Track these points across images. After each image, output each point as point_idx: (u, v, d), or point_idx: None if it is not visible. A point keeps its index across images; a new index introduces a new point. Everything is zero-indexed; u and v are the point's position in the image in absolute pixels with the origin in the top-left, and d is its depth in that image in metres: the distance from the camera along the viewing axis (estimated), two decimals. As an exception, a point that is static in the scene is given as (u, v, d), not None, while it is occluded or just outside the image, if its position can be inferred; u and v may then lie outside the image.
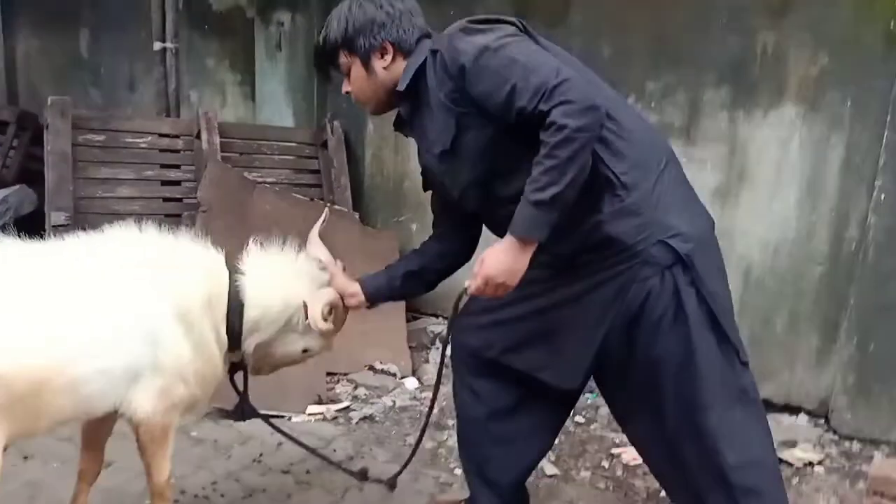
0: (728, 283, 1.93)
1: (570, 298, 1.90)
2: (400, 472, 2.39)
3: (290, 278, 2.09)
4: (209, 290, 1.99)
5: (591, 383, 3.13)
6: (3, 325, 1.68)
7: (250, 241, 2.13)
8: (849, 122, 2.90)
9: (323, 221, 2.22)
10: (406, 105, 1.95)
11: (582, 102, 1.63)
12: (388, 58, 1.91)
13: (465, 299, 1.97)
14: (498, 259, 1.74)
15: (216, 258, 2.07)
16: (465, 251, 2.19)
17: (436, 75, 1.84)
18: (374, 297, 2.18)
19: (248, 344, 2.08)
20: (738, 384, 1.86)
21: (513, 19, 1.83)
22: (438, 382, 2.26)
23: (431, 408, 2.29)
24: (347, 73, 1.98)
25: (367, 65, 1.92)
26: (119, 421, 2.03)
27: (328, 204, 2.33)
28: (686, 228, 1.80)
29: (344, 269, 2.19)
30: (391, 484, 2.42)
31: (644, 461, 2.16)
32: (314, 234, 2.20)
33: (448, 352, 2.23)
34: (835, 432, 3.06)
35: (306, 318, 2.04)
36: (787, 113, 3.05)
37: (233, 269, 2.05)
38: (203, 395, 2.04)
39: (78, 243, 1.94)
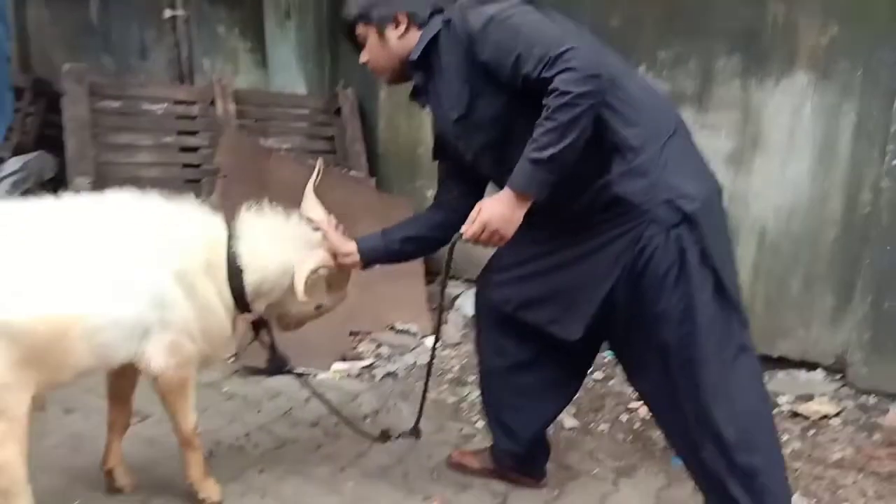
0: (732, 246, 2.02)
1: (579, 256, 1.98)
2: (416, 424, 2.47)
3: (284, 242, 2.14)
4: (207, 257, 2.07)
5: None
6: (25, 278, 1.79)
7: (244, 206, 2.18)
8: (859, 89, 2.95)
9: (316, 177, 2.27)
10: (420, 75, 2.03)
11: (584, 70, 1.70)
12: (402, 28, 2.01)
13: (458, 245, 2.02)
14: (495, 208, 1.84)
15: (215, 224, 2.13)
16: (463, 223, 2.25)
17: (448, 44, 1.93)
18: (369, 258, 2.22)
19: (259, 306, 2.17)
20: (737, 342, 1.93)
21: None
22: (439, 327, 2.37)
23: (433, 358, 2.41)
24: (364, 44, 2.07)
25: (382, 35, 2.02)
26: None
27: (319, 161, 2.38)
28: (692, 190, 1.86)
29: (338, 227, 2.23)
30: (416, 434, 2.49)
31: (650, 412, 2.25)
32: (309, 190, 2.25)
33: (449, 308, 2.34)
34: (851, 387, 3.15)
35: None
36: (799, 81, 3.11)
37: (231, 235, 2.11)
38: (213, 350, 2.14)
39: (90, 203, 2.03)
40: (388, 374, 3.23)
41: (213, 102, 4.14)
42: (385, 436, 2.49)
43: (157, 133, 4.04)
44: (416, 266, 3.93)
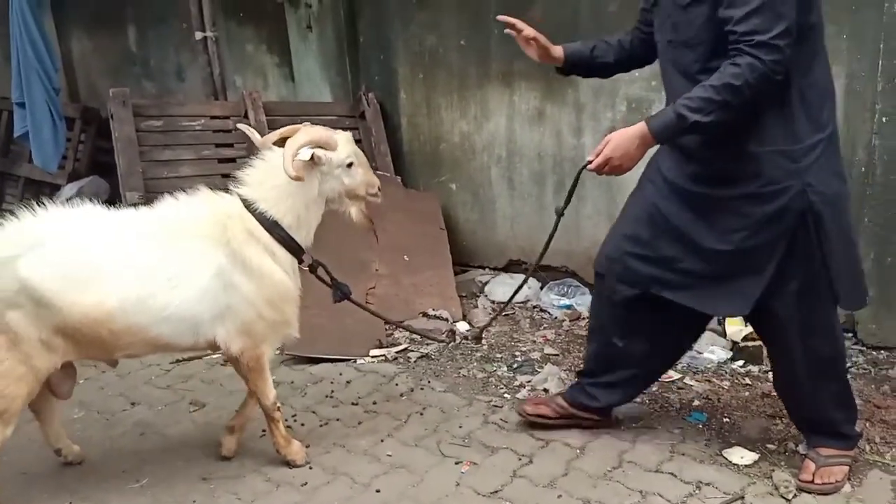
0: (856, 242, 2.25)
1: (723, 235, 2.16)
2: (488, 325, 2.88)
3: (277, 174, 2.27)
4: (241, 230, 2.26)
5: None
6: (78, 272, 2.13)
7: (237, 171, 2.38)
8: (846, 53, 3.05)
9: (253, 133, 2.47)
10: None
11: (771, 69, 1.86)
12: None
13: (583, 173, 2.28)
14: (622, 142, 2.05)
15: (229, 199, 2.33)
16: (648, 59, 2.44)
17: None
18: (570, 53, 2.43)
19: (309, 238, 2.39)
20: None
21: None
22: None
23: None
24: None
25: None
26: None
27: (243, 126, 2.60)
28: (827, 188, 2.06)
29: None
30: (478, 336, 2.80)
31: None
32: (259, 139, 2.43)
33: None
34: (862, 343, 3.25)
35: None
36: (790, 48, 3.23)
37: (247, 201, 2.30)
38: (282, 317, 2.36)
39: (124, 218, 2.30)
40: (422, 357, 3.45)
41: (245, 115, 4.42)
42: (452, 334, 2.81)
43: (196, 147, 4.36)
44: (445, 256, 4.16)
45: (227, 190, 2.38)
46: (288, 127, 2.39)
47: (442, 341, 2.72)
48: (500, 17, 2.43)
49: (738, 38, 1.89)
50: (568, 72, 2.53)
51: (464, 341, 3.55)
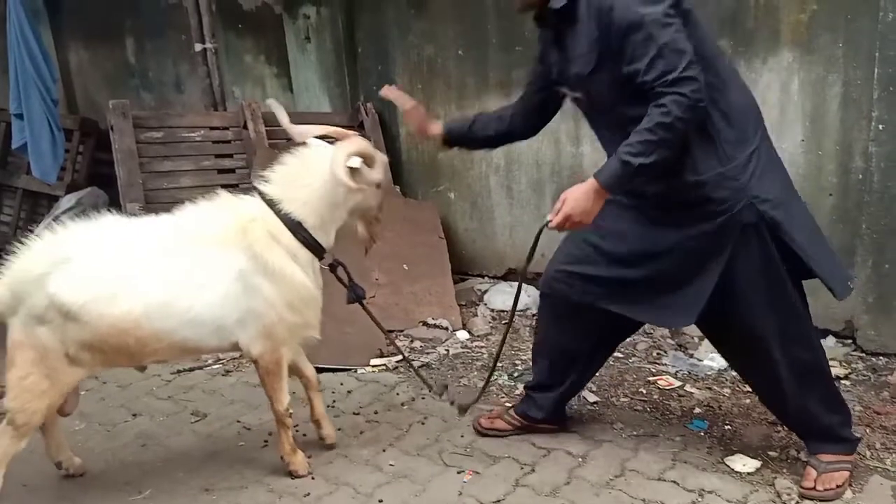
0: (818, 227, 2.34)
1: (669, 250, 2.23)
2: (476, 401, 2.74)
3: (311, 171, 2.29)
4: (263, 233, 2.26)
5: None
6: (103, 283, 2.17)
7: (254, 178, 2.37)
8: (842, 61, 3.08)
9: (282, 115, 2.48)
10: (555, 19, 2.20)
11: (693, 100, 1.94)
12: None
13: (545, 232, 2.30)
14: (578, 200, 2.11)
15: (252, 200, 2.33)
16: (526, 133, 2.58)
17: (588, 13, 2.09)
18: (449, 129, 2.53)
19: (331, 239, 2.38)
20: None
21: None
22: (514, 314, 2.64)
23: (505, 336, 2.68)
24: None
25: None
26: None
27: (271, 101, 2.63)
28: (773, 193, 2.13)
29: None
30: (463, 409, 2.73)
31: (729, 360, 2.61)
32: (289, 125, 2.45)
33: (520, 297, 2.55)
34: (862, 350, 3.27)
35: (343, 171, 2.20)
36: (785, 57, 3.25)
37: (272, 202, 2.30)
38: (303, 320, 2.37)
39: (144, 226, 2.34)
40: (423, 366, 3.45)
41: (245, 126, 4.44)
42: (443, 388, 2.76)
43: (196, 158, 4.37)
44: (444, 265, 4.17)
45: (248, 190, 2.38)
46: (333, 128, 2.40)
47: (434, 391, 2.74)
48: (383, 92, 2.57)
49: (652, 86, 1.97)
50: (452, 145, 2.61)
51: (464, 349, 3.55)
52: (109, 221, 2.29)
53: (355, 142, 2.29)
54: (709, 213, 2.15)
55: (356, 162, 2.24)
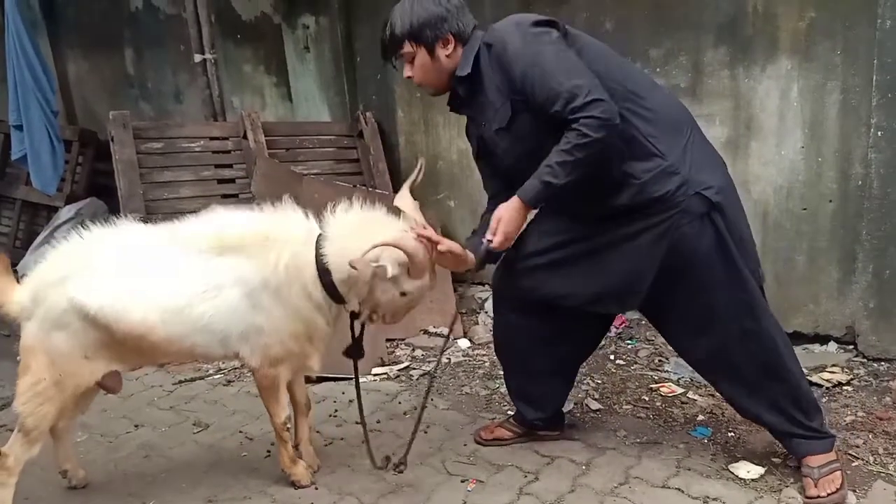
0: (747, 220, 2.34)
1: (618, 241, 2.28)
2: (405, 456, 2.52)
3: (367, 238, 2.17)
4: (288, 261, 2.23)
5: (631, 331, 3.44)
6: (120, 288, 2.21)
7: (333, 205, 2.28)
8: (841, 68, 3.10)
9: (418, 173, 2.42)
10: (465, 87, 2.28)
11: (604, 119, 2.02)
12: (451, 47, 2.26)
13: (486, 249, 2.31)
14: (512, 218, 2.19)
15: (306, 225, 2.31)
16: None
17: (490, 65, 2.19)
18: (473, 251, 2.35)
19: (352, 300, 2.31)
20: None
21: (557, 21, 2.17)
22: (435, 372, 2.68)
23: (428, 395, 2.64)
24: (411, 61, 2.29)
25: (432, 53, 2.26)
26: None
27: (421, 160, 2.58)
28: (715, 182, 2.21)
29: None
30: (398, 469, 2.51)
31: (684, 356, 2.58)
32: (406, 185, 2.40)
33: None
34: (863, 356, 3.27)
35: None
36: (784, 65, 3.27)
37: (321, 235, 2.27)
38: (302, 351, 2.36)
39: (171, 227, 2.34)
40: (424, 374, 3.45)
41: (244, 136, 4.44)
42: (387, 460, 2.54)
43: (196, 168, 4.36)
44: (444, 273, 4.16)
45: (317, 214, 2.33)
46: (419, 217, 2.30)
47: (378, 467, 2.50)
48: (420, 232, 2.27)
49: (563, 117, 2.04)
50: (484, 263, 2.43)
51: (466, 357, 3.55)
52: (132, 226, 2.33)
53: (416, 248, 2.19)
54: (658, 210, 2.20)
55: (389, 271, 2.17)
